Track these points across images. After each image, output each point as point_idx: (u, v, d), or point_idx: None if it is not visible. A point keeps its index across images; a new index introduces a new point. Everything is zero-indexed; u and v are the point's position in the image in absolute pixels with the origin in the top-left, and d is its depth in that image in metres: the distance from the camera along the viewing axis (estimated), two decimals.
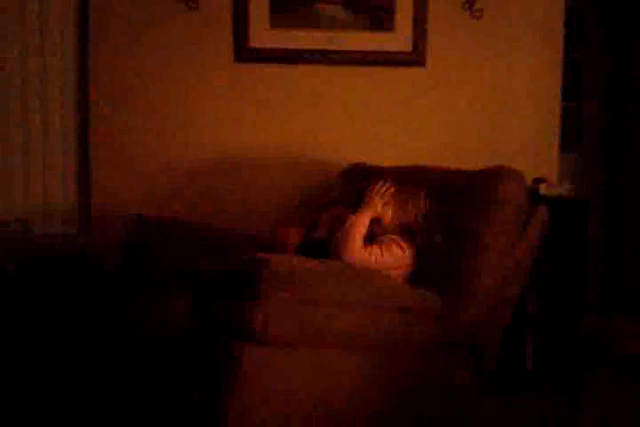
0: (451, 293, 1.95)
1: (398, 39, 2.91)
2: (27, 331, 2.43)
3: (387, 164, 2.59)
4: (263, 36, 2.87)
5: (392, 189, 2.12)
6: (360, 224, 2.02)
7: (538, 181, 2.75)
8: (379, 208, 2.09)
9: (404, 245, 2.05)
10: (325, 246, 2.08)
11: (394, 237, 2.07)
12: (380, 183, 2.14)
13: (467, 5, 2.92)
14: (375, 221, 2.09)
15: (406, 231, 2.09)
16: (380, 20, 2.90)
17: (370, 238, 2.06)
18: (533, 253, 2.14)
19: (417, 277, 2.06)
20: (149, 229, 2.41)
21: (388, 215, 2.11)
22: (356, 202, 2.20)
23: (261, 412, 1.60)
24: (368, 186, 2.17)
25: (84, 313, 2.75)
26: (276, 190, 2.91)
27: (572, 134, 3.76)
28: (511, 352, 2.59)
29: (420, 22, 2.89)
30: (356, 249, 1.96)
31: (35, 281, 2.46)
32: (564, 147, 3.16)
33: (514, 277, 2.09)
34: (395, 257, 2.02)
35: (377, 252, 1.99)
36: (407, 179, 2.22)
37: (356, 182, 2.50)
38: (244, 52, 2.88)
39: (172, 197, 2.88)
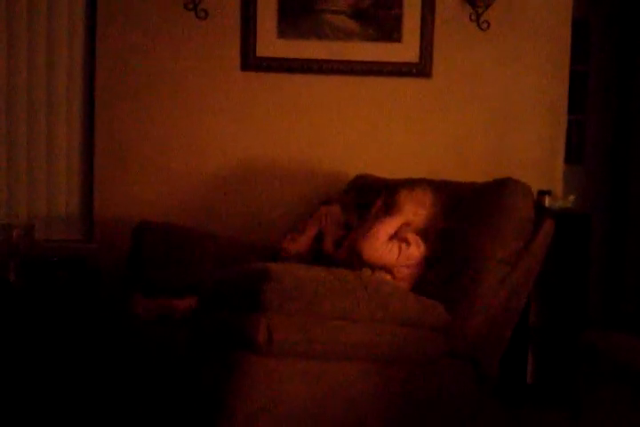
0: (455, 304, 1.95)
1: (405, 50, 2.92)
2: (26, 335, 2.42)
3: (392, 175, 2.60)
4: (270, 45, 2.88)
5: (428, 198, 2.14)
6: (389, 226, 2.09)
7: (543, 193, 2.76)
8: (410, 215, 2.12)
9: (422, 245, 2.09)
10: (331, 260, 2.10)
11: (416, 237, 2.10)
12: (417, 190, 2.17)
13: (474, 17, 2.93)
14: (403, 225, 2.13)
15: (424, 237, 2.12)
16: (388, 31, 2.91)
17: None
18: (538, 265, 2.13)
19: (422, 283, 2.06)
20: (152, 235, 2.40)
21: (417, 224, 2.14)
22: (357, 206, 2.23)
23: (263, 423, 1.60)
24: (379, 194, 2.20)
25: (84, 318, 2.75)
26: (281, 200, 2.91)
27: (574, 147, 3.77)
28: (512, 365, 2.58)
29: (426, 34, 2.91)
30: (379, 245, 2.02)
31: (36, 285, 2.46)
32: (567, 159, 3.16)
33: (518, 290, 2.09)
34: (411, 256, 2.06)
35: (395, 251, 2.04)
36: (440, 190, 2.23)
37: (360, 193, 2.51)
38: (252, 61, 2.89)
39: (176, 206, 2.88)
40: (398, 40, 2.92)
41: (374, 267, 2.06)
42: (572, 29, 2.99)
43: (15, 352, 2.45)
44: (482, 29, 2.93)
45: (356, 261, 2.07)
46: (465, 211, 2.10)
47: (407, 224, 2.12)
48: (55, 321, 2.59)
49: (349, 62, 2.90)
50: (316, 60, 2.89)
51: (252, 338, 1.55)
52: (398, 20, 2.91)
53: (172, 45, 2.87)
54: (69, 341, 2.72)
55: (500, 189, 2.07)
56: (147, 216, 2.58)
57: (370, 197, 2.32)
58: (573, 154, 3.61)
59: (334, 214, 2.35)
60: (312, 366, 1.65)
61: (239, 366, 1.56)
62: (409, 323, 1.80)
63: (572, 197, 2.82)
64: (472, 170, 2.84)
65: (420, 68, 2.93)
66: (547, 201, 2.74)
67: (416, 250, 2.07)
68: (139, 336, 2.12)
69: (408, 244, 2.07)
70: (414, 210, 2.13)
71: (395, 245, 2.05)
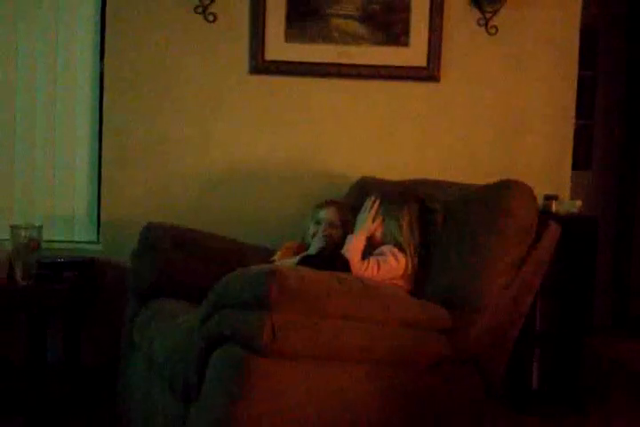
0: (458, 308, 1.94)
1: (413, 54, 2.92)
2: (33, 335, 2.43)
3: (399, 178, 2.60)
4: (278, 49, 2.89)
5: (377, 203, 2.15)
6: (357, 243, 2.09)
7: (549, 197, 2.75)
8: (369, 226, 2.13)
9: (400, 256, 2.07)
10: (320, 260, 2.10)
11: (392, 248, 2.09)
12: (370, 199, 2.18)
13: (482, 22, 2.94)
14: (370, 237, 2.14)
15: (395, 244, 2.11)
16: (396, 35, 2.92)
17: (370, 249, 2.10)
18: (543, 270, 2.12)
19: (419, 289, 2.06)
20: (159, 237, 2.41)
21: (379, 231, 2.15)
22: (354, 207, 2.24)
23: (266, 424, 1.60)
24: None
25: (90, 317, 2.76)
26: (288, 203, 2.91)
27: (582, 153, 3.76)
28: (517, 371, 2.57)
29: (434, 38, 2.91)
30: (353, 266, 2.02)
31: (43, 285, 2.47)
32: (575, 165, 3.16)
33: (522, 294, 2.08)
34: (391, 268, 2.05)
35: (373, 267, 2.04)
36: (396, 192, 2.23)
37: (361, 195, 2.50)
38: (260, 65, 2.90)
39: (183, 207, 2.89)
40: (406, 44, 2.92)
41: None
42: (579, 35, 2.99)
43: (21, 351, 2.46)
44: (490, 34, 2.94)
45: None
46: (467, 212, 2.08)
47: (371, 237, 2.13)
48: (60, 322, 2.61)
49: (357, 66, 2.91)
50: (324, 64, 2.90)
51: (256, 338, 1.55)
52: (406, 25, 2.91)
53: (180, 49, 2.88)
54: (75, 340, 2.74)
55: (502, 191, 2.05)
56: (153, 218, 2.59)
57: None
58: (581, 160, 3.60)
59: (330, 218, 2.34)
60: (315, 368, 1.65)
61: (243, 366, 1.56)
62: (411, 325, 1.80)
63: (578, 202, 2.82)
64: (479, 174, 2.82)
65: (428, 73, 2.93)
66: (553, 206, 2.73)
67: (394, 261, 2.05)
68: (143, 336, 2.13)
69: (385, 257, 2.05)
70: (370, 218, 2.13)
71: (371, 262, 2.04)
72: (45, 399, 2.38)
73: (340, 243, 2.18)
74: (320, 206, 2.37)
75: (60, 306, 2.49)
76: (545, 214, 2.20)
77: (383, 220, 2.15)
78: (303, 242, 2.40)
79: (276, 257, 2.39)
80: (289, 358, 1.60)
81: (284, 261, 2.28)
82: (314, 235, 2.31)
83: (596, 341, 3.01)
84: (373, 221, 2.14)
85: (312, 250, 2.26)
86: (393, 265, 2.06)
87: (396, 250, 2.09)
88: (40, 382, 2.36)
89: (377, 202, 2.16)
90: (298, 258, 2.19)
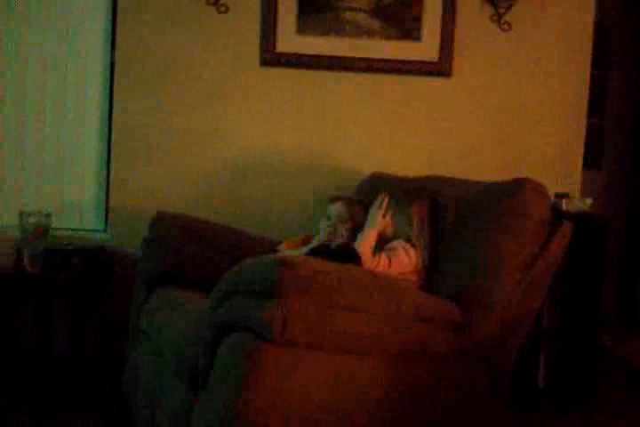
0: (469, 304, 1.93)
1: (425, 49, 2.91)
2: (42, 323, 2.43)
3: (408, 173, 2.59)
4: (290, 41, 2.88)
5: (386, 200, 2.15)
6: (369, 239, 2.08)
7: (560, 195, 2.74)
8: (380, 222, 2.12)
9: (411, 251, 2.07)
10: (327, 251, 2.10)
11: (404, 243, 2.09)
12: (381, 195, 2.18)
13: (495, 18, 2.92)
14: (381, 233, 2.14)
15: (406, 239, 2.11)
16: (408, 29, 2.91)
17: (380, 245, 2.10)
18: (554, 268, 2.11)
19: (429, 284, 2.05)
20: (168, 225, 2.41)
21: (390, 227, 2.14)
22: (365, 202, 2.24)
23: (274, 412, 1.59)
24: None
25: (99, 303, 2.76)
26: (295, 195, 2.91)
27: (593, 152, 3.74)
28: (524, 368, 2.56)
29: (447, 33, 2.90)
30: (365, 261, 2.02)
31: (51, 273, 2.47)
32: (586, 164, 3.14)
33: (533, 292, 2.07)
34: (402, 263, 2.05)
35: (385, 262, 2.04)
36: (408, 189, 2.22)
37: (373, 190, 2.50)
38: (271, 57, 2.89)
39: (191, 197, 2.88)
40: (418, 39, 2.91)
41: None
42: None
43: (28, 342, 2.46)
44: (503, 30, 2.93)
45: None
46: (478, 209, 2.08)
47: (381, 233, 2.12)
48: (69, 308, 2.61)
49: (368, 60, 2.90)
50: (335, 57, 2.89)
51: (267, 326, 1.55)
52: (418, 19, 2.91)
53: (192, 40, 2.88)
54: (82, 328, 2.74)
55: (514, 188, 2.04)
56: (161, 206, 2.59)
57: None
58: (592, 159, 3.59)
59: (341, 212, 2.34)
60: (324, 358, 1.65)
61: (252, 354, 1.56)
62: (421, 318, 1.79)
63: (589, 201, 2.80)
64: (489, 170, 2.83)
65: (440, 68, 2.92)
66: (564, 204, 2.72)
67: (405, 256, 2.05)
68: (152, 324, 2.13)
69: (396, 253, 2.06)
70: (380, 215, 2.13)
71: (382, 257, 2.05)
72: (51, 387, 2.38)
73: (350, 237, 2.18)
74: (331, 201, 2.38)
75: (68, 294, 2.49)
76: (555, 212, 2.19)
77: (394, 215, 2.15)
78: (312, 235, 2.40)
79: (279, 247, 2.39)
80: (299, 348, 1.60)
81: (290, 251, 2.29)
82: (323, 229, 2.32)
83: (603, 338, 3.00)
84: (384, 217, 2.14)
85: (314, 244, 2.27)
86: (404, 260, 2.06)
87: (407, 245, 2.09)
88: (46, 370, 2.36)
89: (388, 198, 2.16)
90: (306, 249, 2.18)
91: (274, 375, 1.58)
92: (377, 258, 2.05)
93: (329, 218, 2.32)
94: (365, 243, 2.07)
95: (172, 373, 1.89)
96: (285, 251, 2.35)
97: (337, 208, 2.33)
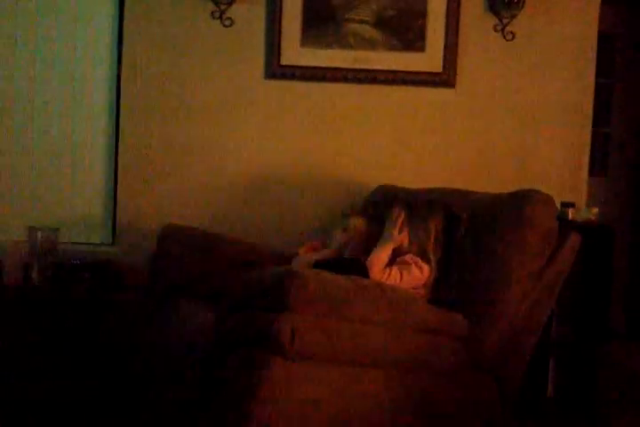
0: (477, 316, 1.94)
1: (429, 60, 2.92)
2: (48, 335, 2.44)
3: (414, 185, 2.59)
4: (294, 54, 2.89)
5: (402, 215, 2.13)
6: (382, 253, 2.07)
7: (566, 205, 2.74)
8: (396, 237, 2.11)
9: (424, 266, 2.06)
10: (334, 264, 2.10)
11: (415, 258, 2.08)
12: (395, 209, 2.16)
13: (499, 27, 2.93)
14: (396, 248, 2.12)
15: (422, 255, 2.09)
16: (411, 40, 2.91)
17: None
18: (562, 279, 2.11)
19: (437, 296, 2.05)
20: (177, 239, 2.42)
21: (405, 241, 2.13)
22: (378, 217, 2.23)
23: (283, 425, 1.60)
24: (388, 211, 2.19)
25: (108, 320, 2.77)
26: (301, 208, 2.90)
27: (599, 160, 3.74)
28: (533, 378, 2.55)
29: (450, 44, 2.91)
30: (374, 275, 2.00)
31: (59, 288, 2.48)
32: (591, 172, 3.14)
33: (541, 303, 2.07)
34: (414, 278, 2.04)
35: (396, 276, 2.02)
36: (423, 202, 2.22)
37: (382, 204, 2.50)
38: (276, 70, 2.90)
39: (197, 211, 2.88)
40: (422, 50, 2.92)
41: None
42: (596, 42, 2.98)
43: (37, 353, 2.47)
44: (507, 40, 2.93)
45: None
46: (486, 222, 2.08)
47: (396, 248, 2.11)
48: (77, 323, 2.61)
49: (373, 71, 2.91)
50: (340, 69, 2.90)
51: (275, 338, 1.55)
52: (422, 30, 2.91)
53: (197, 53, 2.89)
54: (90, 342, 2.74)
55: (522, 200, 2.05)
56: (169, 220, 2.60)
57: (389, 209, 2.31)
58: (597, 167, 3.58)
59: (359, 227, 2.34)
60: (333, 371, 1.65)
61: (261, 366, 1.57)
62: (428, 331, 1.80)
63: (595, 210, 2.80)
64: (495, 181, 2.82)
65: (444, 78, 2.93)
66: (570, 213, 2.71)
67: (417, 271, 2.04)
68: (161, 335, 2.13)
69: (408, 267, 2.04)
70: (395, 230, 2.10)
71: (394, 271, 2.03)
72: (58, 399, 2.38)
73: (363, 252, 2.17)
74: (350, 215, 2.37)
75: (76, 308, 2.49)
76: (561, 222, 2.19)
77: (410, 230, 2.13)
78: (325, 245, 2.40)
79: (300, 250, 2.40)
80: (306, 360, 1.60)
81: (303, 258, 2.29)
82: (337, 240, 2.31)
83: (611, 349, 2.98)
84: (400, 231, 2.12)
85: (325, 251, 2.28)
86: (416, 275, 2.05)
87: (418, 259, 2.07)
88: (52, 383, 2.37)
89: (404, 213, 2.14)
90: (313, 260, 2.19)
91: (283, 388, 1.58)
92: (388, 271, 2.03)
93: (346, 230, 2.32)
94: (378, 256, 2.05)
95: (179, 384, 1.89)
96: (302, 256, 2.34)
97: (356, 223, 2.32)
